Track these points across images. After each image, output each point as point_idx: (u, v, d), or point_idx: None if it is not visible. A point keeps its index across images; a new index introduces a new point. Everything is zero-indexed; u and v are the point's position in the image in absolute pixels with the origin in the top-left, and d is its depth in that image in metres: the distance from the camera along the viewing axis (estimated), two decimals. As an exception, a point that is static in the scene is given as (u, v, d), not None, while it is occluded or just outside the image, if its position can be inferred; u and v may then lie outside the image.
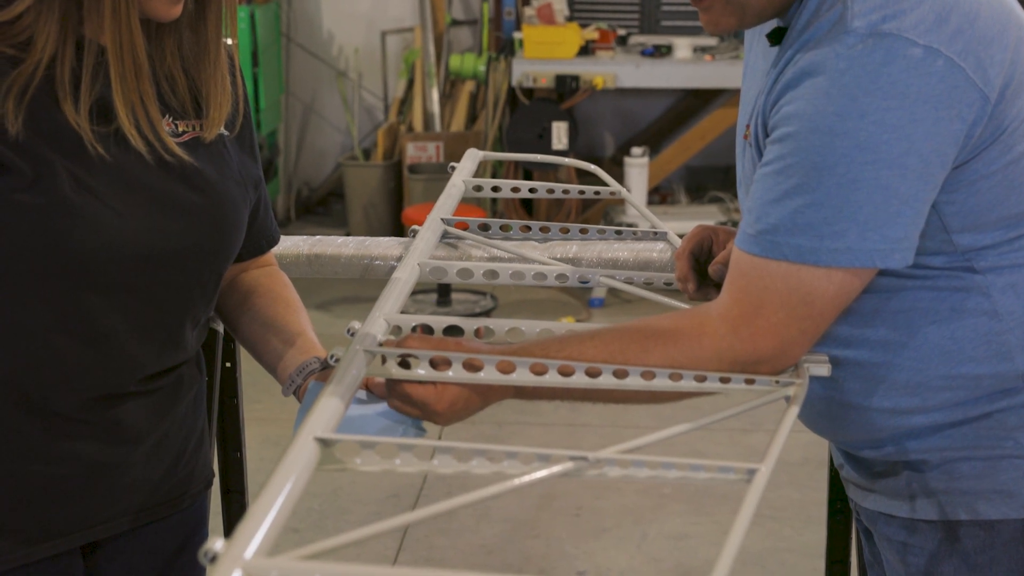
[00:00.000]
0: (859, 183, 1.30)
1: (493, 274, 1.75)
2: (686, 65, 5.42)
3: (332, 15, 6.60)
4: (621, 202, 5.34)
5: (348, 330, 1.50)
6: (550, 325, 1.52)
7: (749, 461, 1.21)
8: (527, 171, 5.68)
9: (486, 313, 5.07)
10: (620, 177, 5.08)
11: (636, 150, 5.33)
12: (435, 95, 6.16)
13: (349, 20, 6.58)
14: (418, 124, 6.18)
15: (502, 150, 5.70)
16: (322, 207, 6.77)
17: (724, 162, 6.34)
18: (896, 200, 1.30)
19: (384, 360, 1.39)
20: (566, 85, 5.33)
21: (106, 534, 1.54)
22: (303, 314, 1.68)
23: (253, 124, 1.65)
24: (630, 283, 1.74)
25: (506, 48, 5.68)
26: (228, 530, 2.08)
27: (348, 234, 6.22)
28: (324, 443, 1.19)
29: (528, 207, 5.73)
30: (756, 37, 1.58)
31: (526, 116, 5.40)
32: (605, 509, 3.58)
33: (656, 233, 1.97)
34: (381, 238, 1.99)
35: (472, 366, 1.38)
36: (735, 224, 5.31)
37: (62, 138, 1.40)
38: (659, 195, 5.95)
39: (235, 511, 2.11)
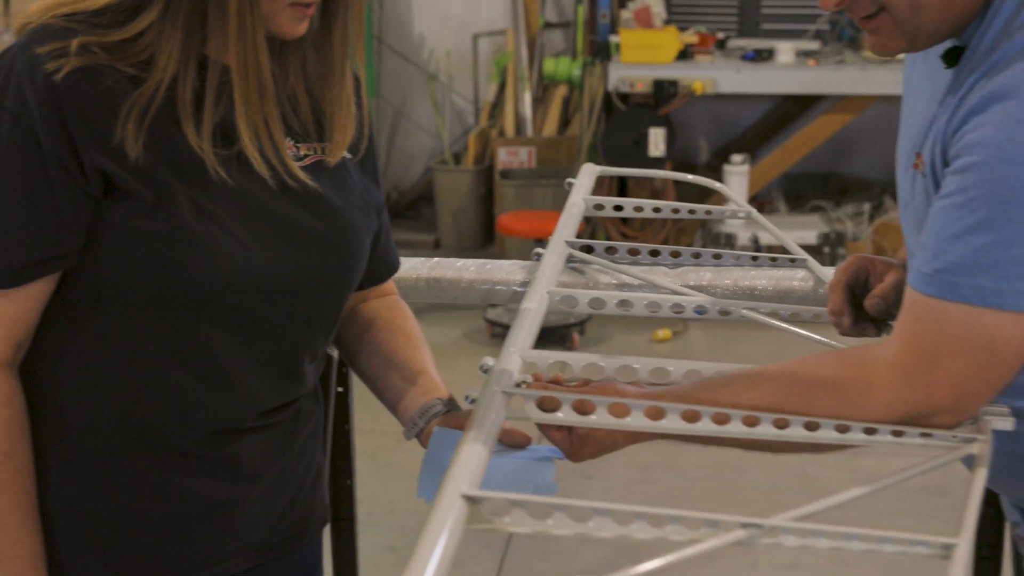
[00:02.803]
0: None
1: (627, 304, 1.65)
2: (788, 70, 5.28)
3: (424, 17, 6.54)
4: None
5: (481, 367, 1.41)
6: (697, 366, 1.42)
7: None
8: (622, 182, 5.56)
9: (580, 324, 4.97)
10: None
11: (736, 157, 5.20)
12: (527, 99, 6.07)
13: (441, 22, 6.51)
14: (509, 129, 6.09)
15: (596, 157, 5.59)
16: (411, 211, 6.70)
17: (823, 169, 6.19)
18: None
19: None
20: (664, 90, 5.21)
21: (223, 574, 1.47)
22: (425, 349, 1.60)
23: (376, 148, 1.57)
24: (775, 316, 1.63)
25: (601, 52, 5.57)
26: (337, 560, 2.01)
27: (437, 240, 6.17)
28: (471, 501, 1.10)
29: (623, 219, 5.61)
30: (920, 56, 1.46)
31: (622, 122, 5.30)
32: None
33: (794, 260, 1.86)
34: (502, 262, 1.90)
35: (618, 411, 1.29)
36: (839, 236, 5.11)
37: (182, 162, 1.33)
38: (757, 203, 5.80)
39: (344, 540, 2.04)
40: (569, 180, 2.11)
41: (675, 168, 5.47)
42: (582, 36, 5.86)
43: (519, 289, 1.86)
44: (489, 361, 1.41)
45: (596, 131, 5.54)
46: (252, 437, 1.44)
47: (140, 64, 1.31)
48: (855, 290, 1.56)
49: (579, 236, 1.93)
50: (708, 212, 2.11)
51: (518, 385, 1.37)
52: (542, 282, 1.67)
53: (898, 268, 1.56)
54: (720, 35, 5.71)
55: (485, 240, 6.11)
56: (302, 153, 1.42)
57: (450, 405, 1.52)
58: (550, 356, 1.44)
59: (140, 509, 1.39)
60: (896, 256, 1.64)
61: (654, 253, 1.89)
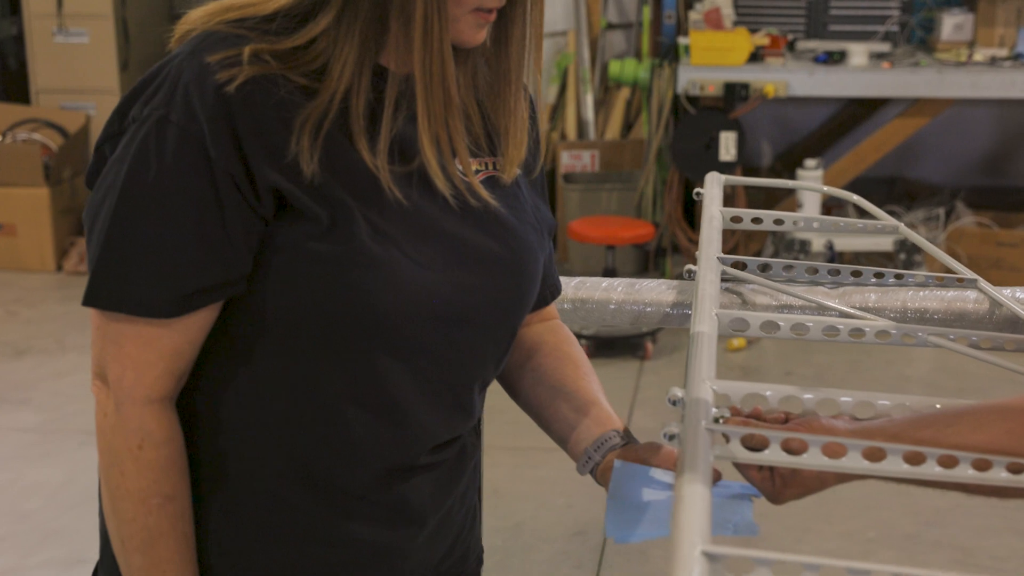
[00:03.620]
0: None
1: (803, 328, 1.54)
2: (863, 73, 5.14)
3: (481, 18, 6.42)
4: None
5: (671, 399, 1.30)
6: (907, 399, 1.31)
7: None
8: (688, 188, 5.45)
9: (653, 332, 4.84)
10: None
11: (810, 162, 5.07)
12: (590, 101, 5.96)
13: (498, 24, 6.40)
14: (571, 132, 5.98)
15: (665, 162, 5.47)
16: (467, 215, 6.60)
17: (888, 173, 6.06)
18: None
19: (726, 439, 1.20)
20: (735, 93, 5.09)
21: (378, 622, 1.36)
22: (594, 377, 1.49)
23: (544, 166, 1.46)
24: (970, 344, 1.51)
25: (669, 54, 5.45)
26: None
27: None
28: (711, 558, 0.99)
29: (690, 224, 5.48)
30: None
31: (692, 125, 5.17)
32: (807, 553, 3.34)
33: (962, 280, 1.74)
34: (650, 281, 1.79)
35: (833, 451, 1.18)
36: (909, 247, 4.90)
37: (357, 179, 1.22)
38: (825, 208, 5.68)
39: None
40: (698, 191, 1.99)
41: (743, 173, 5.35)
42: (647, 37, 5.74)
43: (670, 311, 1.75)
44: (678, 392, 1.30)
45: (665, 135, 5.43)
46: (421, 476, 1.34)
47: (312, 74, 1.20)
48: None
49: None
50: (856, 227, 2.01)
51: (717, 420, 1.27)
52: (707, 303, 1.56)
53: None
54: (788, 37, 5.58)
55: (546, 245, 6.00)
56: (474, 168, 1.32)
57: (627, 437, 1.42)
58: (743, 387, 1.33)
59: (302, 556, 1.29)
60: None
61: (812, 271, 1.78)
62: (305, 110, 1.19)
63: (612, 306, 1.75)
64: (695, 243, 5.35)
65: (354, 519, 1.29)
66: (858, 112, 6.00)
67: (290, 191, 1.18)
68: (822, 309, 1.67)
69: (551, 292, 1.51)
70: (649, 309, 1.75)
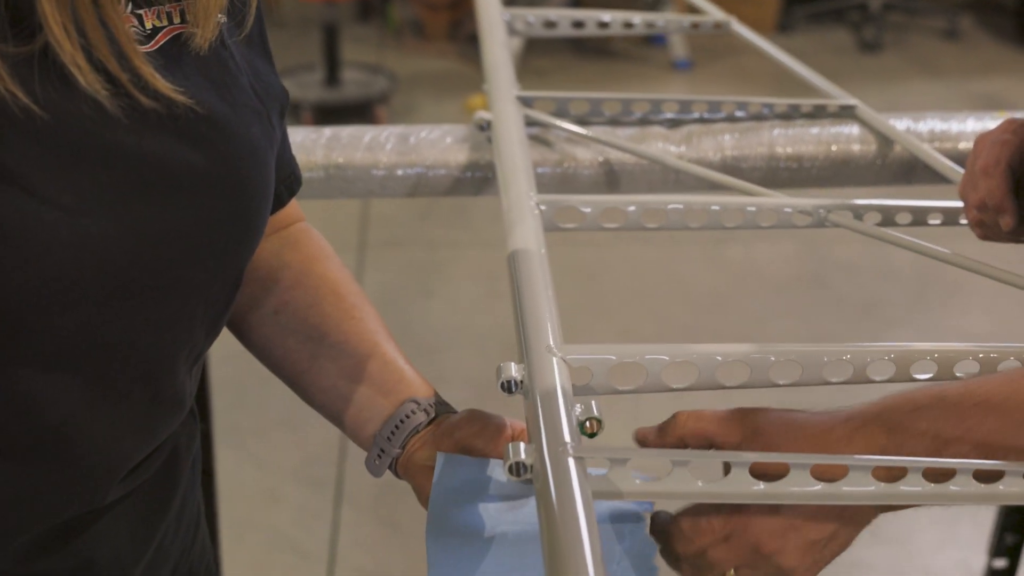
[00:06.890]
0: None
1: (660, 214, 1.09)
2: None
3: None
4: None
5: (503, 383, 0.83)
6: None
7: None
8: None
9: (384, 97, 4.31)
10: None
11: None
12: None
13: None
14: None
15: None
16: None
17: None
18: None
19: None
20: None
21: None
22: (368, 307, 1.01)
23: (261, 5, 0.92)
24: (889, 224, 1.09)
25: None
26: None
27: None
28: None
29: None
30: None
31: None
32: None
33: (839, 107, 1.31)
34: (428, 129, 1.28)
35: (770, 472, 0.77)
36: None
37: None
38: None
39: None
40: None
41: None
42: None
43: (462, 176, 1.27)
44: (514, 371, 0.83)
45: None
46: (112, 515, 0.86)
47: None
48: (1015, 170, 1.05)
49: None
50: (695, 25, 1.56)
51: (584, 425, 0.81)
52: (518, 179, 1.07)
53: None
54: None
55: None
56: (148, 27, 0.78)
57: (435, 407, 0.95)
58: (604, 351, 0.87)
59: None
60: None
61: (642, 105, 1.32)
62: None
63: (380, 171, 1.25)
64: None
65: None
66: None
67: None
68: (668, 167, 1.22)
69: (288, 185, 1.00)
70: (433, 173, 1.26)
